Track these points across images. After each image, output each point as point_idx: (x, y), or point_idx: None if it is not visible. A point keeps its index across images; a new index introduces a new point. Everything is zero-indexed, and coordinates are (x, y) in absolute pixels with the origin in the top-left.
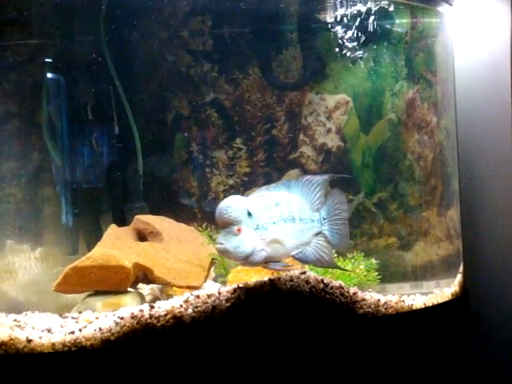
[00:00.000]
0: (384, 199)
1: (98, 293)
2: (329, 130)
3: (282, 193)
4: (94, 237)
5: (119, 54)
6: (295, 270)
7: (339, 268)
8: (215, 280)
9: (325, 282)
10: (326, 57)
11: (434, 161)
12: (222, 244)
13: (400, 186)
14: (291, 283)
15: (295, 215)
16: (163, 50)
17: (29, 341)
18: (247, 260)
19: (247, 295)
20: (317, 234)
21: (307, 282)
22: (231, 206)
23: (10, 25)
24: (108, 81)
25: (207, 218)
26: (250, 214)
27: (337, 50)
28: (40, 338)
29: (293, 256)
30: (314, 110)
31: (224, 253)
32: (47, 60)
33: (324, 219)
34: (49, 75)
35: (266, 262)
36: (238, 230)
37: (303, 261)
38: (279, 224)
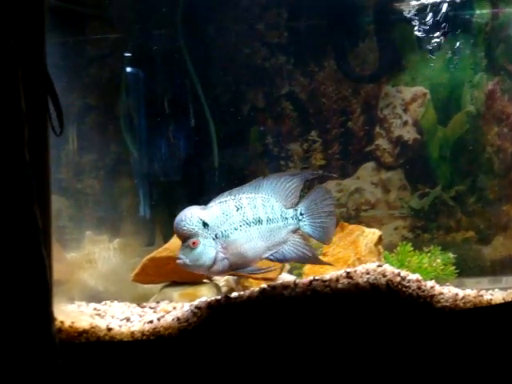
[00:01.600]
0: (462, 193)
1: (174, 283)
2: (405, 123)
3: (246, 195)
4: (171, 229)
5: (197, 47)
6: (371, 264)
7: (324, 263)
8: (290, 272)
9: (402, 275)
10: (402, 49)
11: None
12: (180, 259)
13: (478, 179)
14: (367, 276)
15: (262, 217)
16: (239, 43)
17: (109, 329)
18: (210, 271)
19: (323, 287)
20: (295, 231)
21: (384, 275)
22: (184, 219)
23: (90, 20)
24: (185, 74)
25: None
26: (205, 225)
27: (414, 41)
28: (120, 326)
29: (267, 258)
30: (390, 102)
31: (184, 267)
32: (126, 54)
33: (302, 215)
34: (127, 69)
35: (234, 269)
36: (194, 243)
37: (282, 260)
38: (242, 229)
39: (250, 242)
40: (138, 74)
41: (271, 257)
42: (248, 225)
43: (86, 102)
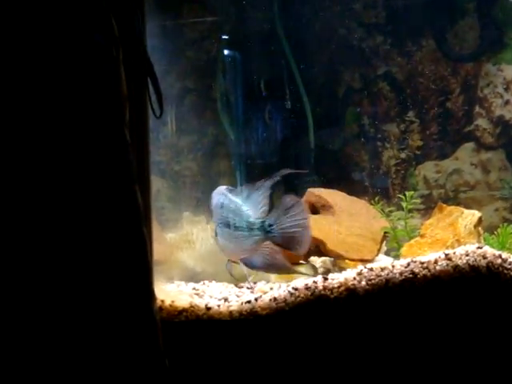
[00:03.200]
0: None
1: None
2: (507, 102)
3: (230, 196)
4: None
5: (292, 28)
6: (471, 245)
7: (298, 273)
8: (387, 254)
9: (503, 257)
10: (504, 26)
11: None
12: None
13: None
14: (467, 258)
15: (230, 221)
16: (335, 24)
17: (208, 308)
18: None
19: (421, 269)
20: (264, 241)
21: (484, 256)
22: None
23: (187, 2)
24: (281, 56)
25: (379, 192)
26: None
27: None
28: (218, 306)
29: (241, 259)
30: (490, 81)
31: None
32: (223, 36)
33: (271, 226)
34: (224, 51)
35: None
36: None
37: (251, 266)
38: (220, 226)
39: (224, 240)
40: (234, 56)
41: (243, 261)
42: (223, 224)
43: (185, 85)
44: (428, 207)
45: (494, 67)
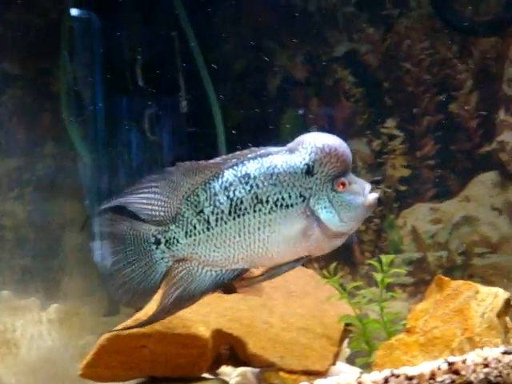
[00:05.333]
0: None
1: (153, 381)
2: None
3: None
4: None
5: None
6: (493, 349)
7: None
8: (350, 362)
9: None
10: None
11: None
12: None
13: None
14: (486, 370)
15: None
16: None
17: None
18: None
19: None
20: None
21: None
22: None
23: None
24: (172, 22)
25: (337, 255)
26: None
27: None
28: None
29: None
30: None
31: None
32: None
33: None
34: (72, 12)
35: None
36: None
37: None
38: None
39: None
40: (90, 20)
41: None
42: None
43: (3, 70)
44: (419, 281)
45: None
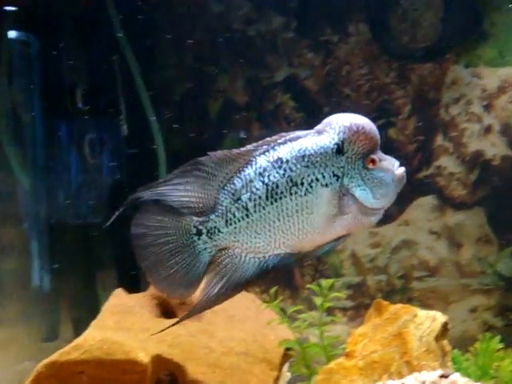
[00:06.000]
0: None
1: None
2: (488, 129)
3: None
4: (86, 309)
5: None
6: (431, 373)
7: None
8: None
9: None
10: (483, 4)
11: None
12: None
13: None
14: None
15: None
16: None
17: None
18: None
19: None
20: None
21: None
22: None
23: None
24: (113, 45)
25: (278, 279)
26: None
27: None
28: None
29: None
30: (461, 94)
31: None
32: (8, 8)
33: None
34: (11, 33)
35: None
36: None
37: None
38: None
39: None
40: (29, 42)
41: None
42: None
43: None
44: (359, 305)
45: (466, 71)
